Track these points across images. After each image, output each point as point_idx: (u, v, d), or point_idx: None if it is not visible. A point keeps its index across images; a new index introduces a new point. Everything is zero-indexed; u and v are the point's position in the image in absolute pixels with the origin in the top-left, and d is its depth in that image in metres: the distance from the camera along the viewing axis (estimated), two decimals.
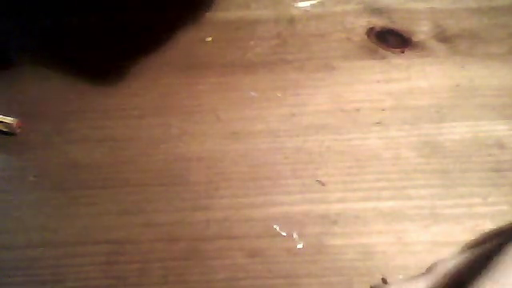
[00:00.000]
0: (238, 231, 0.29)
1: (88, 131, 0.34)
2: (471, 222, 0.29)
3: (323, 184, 0.31)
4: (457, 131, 0.33)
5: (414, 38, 0.39)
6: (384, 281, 0.27)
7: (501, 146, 0.33)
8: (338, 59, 0.38)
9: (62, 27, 0.41)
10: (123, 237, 0.29)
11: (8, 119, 0.34)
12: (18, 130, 0.34)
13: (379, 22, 0.40)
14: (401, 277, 0.27)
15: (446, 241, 0.29)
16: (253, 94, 0.36)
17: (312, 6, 0.42)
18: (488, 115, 0.34)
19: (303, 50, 0.39)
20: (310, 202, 0.30)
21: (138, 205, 0.31)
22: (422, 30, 0.40)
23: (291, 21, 0.41)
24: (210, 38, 0.40)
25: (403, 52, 0.38)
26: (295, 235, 0.29)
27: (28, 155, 0.33)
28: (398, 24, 0.40)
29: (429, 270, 0.26)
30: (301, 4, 0.42)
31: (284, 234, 0.29)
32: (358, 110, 0.35)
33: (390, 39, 0.39)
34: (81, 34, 0.40)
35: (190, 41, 0.39)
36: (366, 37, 0.39)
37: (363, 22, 0.41)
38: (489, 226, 0.29)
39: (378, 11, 0.41)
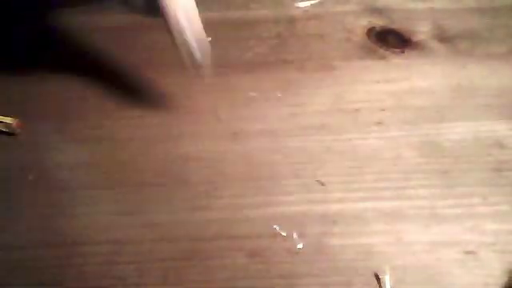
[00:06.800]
0: (238, 231, 0.29)
1: (88, 131, 0.34)
2: (471, 221, 0.29)
3: (323, 184, 0.31)
4: (457, 131, 0.33)
5: (414, 38, 0.39)
6: (377, 276, 0.27)
7: (501, 146, 0.33)
8: (338, 59, 0.38)
9: (62, 27, 0.41)
10: (123, 237, 0.29)
11: (8, 119, 0.34)
12: (18, 130, 0.34)
13: (379, 22, 0.40)
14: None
15: (446, 241, 0.29)
16: (253, 94, 0.36)
17: (312, 5, 0.42)
18: (488, 115, 0.34)
19: (303, 50, 0.39)
20: (310, 202, 0.30)
21: (138, 205, 0.31)
22: (421, 30, 0.40)
23: (291, 21, 0.41)
24: (209, 38, 0.40)
25: (403, 52, 0.38)
26: (295, 235, 0.29)
27: (28, 155, 0.33)
28: (398, 24, 0.40)
29: None
30: (301, 4, 0.42)
31: (284, 234, 0.29)
32: (357, 110, 0.35)
33: (390, 39, 0.39)
34: (79, 34, 0.40)
35: None
36: (366, 37, 0.39)
37: (363, 22, 0.41)
38: (489, 226, 0.29)
39: (378, 11, 0.41)
